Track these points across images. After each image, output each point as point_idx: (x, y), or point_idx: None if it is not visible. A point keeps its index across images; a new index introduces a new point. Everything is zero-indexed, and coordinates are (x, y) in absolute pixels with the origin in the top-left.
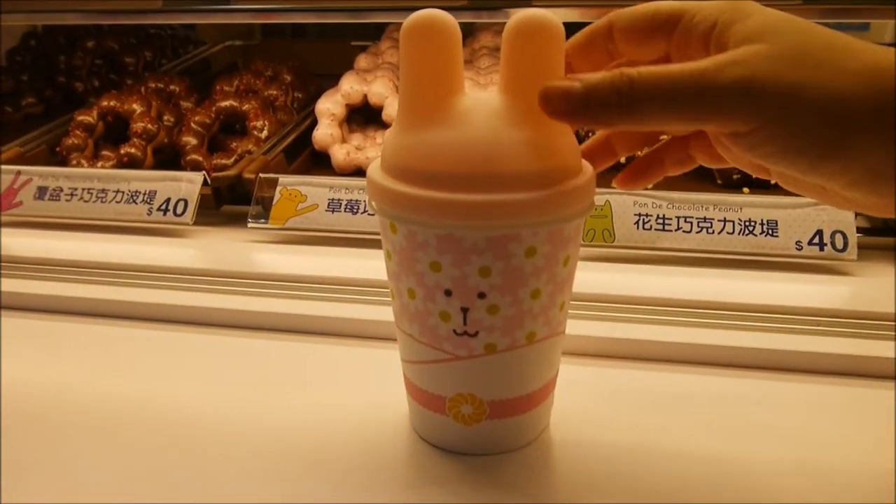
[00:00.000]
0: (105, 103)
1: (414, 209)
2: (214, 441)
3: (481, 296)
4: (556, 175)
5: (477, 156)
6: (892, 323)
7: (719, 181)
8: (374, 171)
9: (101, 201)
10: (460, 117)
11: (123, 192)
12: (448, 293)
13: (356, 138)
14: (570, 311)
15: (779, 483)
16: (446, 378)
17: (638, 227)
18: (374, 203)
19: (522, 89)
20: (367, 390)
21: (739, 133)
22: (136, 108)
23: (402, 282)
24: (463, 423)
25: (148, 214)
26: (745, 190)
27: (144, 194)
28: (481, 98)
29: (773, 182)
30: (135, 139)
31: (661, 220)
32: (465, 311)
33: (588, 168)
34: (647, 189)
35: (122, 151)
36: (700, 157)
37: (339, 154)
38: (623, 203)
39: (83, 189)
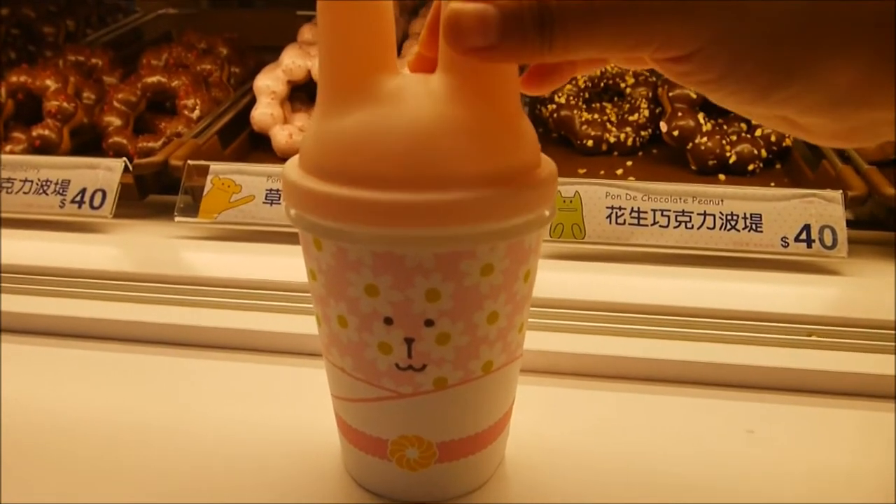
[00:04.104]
0: (14, 79)
1: (339, 214)
2: (116, 479)
3: (429, 323)
4: (513, 169)
5: (412, 143)
6: (892, 332)
7: (693, 167)
8: (290, 168)
9: (7, 192)
10: (391, 99)
11: (32, 182)
12: (388, 321)
13: (300, 118)
14: (530, 321)
15: None
16: (387, 419)
17: (610, 222)
18: (292, 211)
19: (466, 66)
20: (303, 421)
21: (674, 59)
22: (50, 84)
23: (330, 307)
24: (408, 468)
25: (61, 207)
26: (721, 177)
27: (56, 184)
28: (417, 77)
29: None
30: (49, 120)
31: (635, 214)
32: (409, 341)
33: (548, 161)
34: (617, 178)
35: (33, 134)
36: (614, 58)
37: (281, 136)
38: (594, 194)
39: None
